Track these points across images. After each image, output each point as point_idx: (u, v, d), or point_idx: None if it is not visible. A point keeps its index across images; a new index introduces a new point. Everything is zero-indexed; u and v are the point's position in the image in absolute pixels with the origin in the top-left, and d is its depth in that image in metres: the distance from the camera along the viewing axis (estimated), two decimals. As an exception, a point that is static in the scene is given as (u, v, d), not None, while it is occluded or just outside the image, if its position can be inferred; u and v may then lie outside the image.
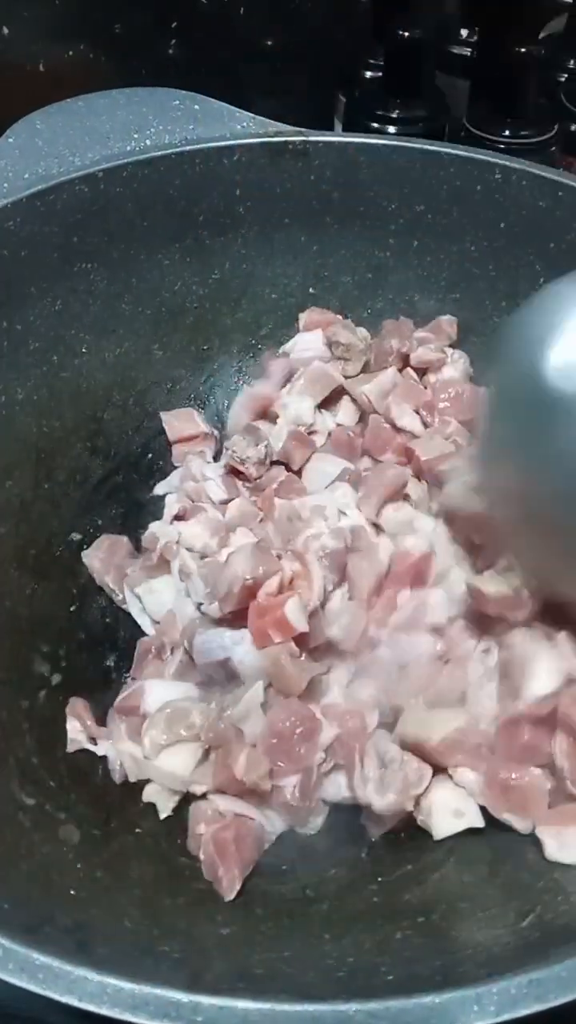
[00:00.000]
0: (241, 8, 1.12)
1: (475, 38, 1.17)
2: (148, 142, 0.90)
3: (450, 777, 0.62)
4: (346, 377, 0.91)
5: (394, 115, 1.04)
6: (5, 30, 1.01)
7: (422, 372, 0.90)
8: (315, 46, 1.22)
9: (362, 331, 0.94)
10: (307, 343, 0.92)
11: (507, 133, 1.01)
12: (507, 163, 0.85)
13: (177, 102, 0.91)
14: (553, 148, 1.03)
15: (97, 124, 0.90)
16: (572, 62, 1.12)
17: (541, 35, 1.09)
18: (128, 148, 0.89)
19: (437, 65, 1.09)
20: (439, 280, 0.93)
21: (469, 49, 1.17)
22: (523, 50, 0.97)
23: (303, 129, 0.90)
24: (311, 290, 0.97)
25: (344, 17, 1.22)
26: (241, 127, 0.91)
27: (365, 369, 0.93)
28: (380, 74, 1.08)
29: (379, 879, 0.63)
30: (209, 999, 0.38)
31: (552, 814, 0.61)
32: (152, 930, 0.56)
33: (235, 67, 1.18)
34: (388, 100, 1.05)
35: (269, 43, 1.18)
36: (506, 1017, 0.38)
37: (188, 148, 0.89)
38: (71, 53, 1.07)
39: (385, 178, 0.90)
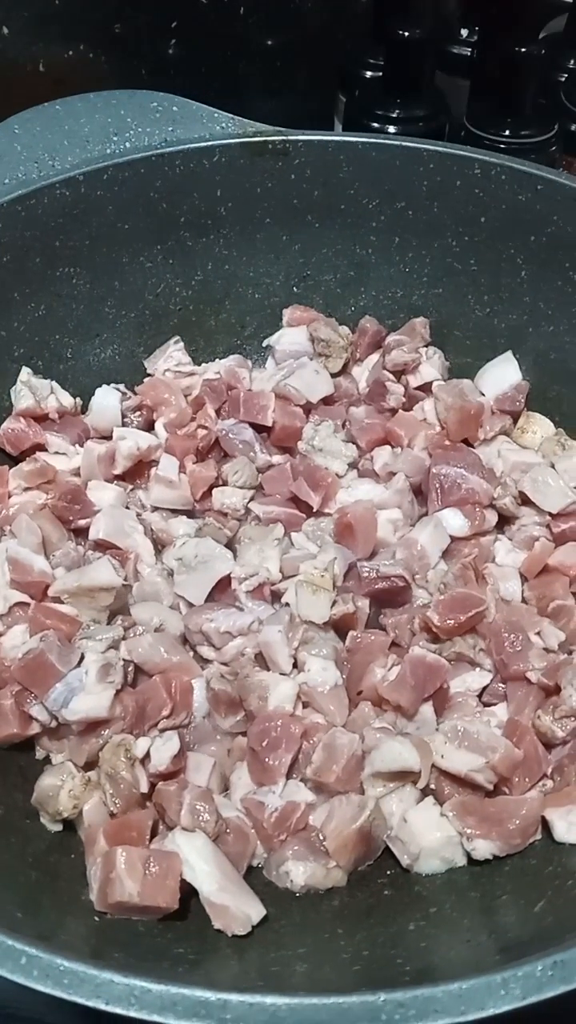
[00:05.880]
0: (241, 8, 1.12)
1: (475, 38, 1.17)
2: (128, 145, 0.90)
3: (443, 814, 0.62)
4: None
5: (394, 115, 1.04)
6: (5, 30, 1.00)
7: (398, 374, 0.91)
8: (315, 46, 1.22)
9: (344, 329, 0.95)
10: (292, 338, 0.93)
11: (507, 133, 1.01)
12: (486, 158, 0.86)
13: (155, 104, 0.90)
14: (553, 148, 1.03)
15: (76, 127, 0.89)
16: (572, 62, 1.12)
17: (541, 35, 1.09)
18: (108, 151, 0.89)
19: (437, 65, 1.09)
20: (421, 276, 0.94)
21: (469, 49, 1.17)
22: (523, 50, 0.97)
23: (283, 128, 0.90)
24: (294, 289, 0.97)
25: (344, 17, 1.22)
26: (220, 128, 0.91)
27: (346, 366, 0.94)
28: (380, 74, 1.07)
29: (388, 872, 0.63)
30: (238, 996, 0.38)
31: (560, 796, 0.62)
32: (166, 933, 0.56)
33: (235, 67, 1.18)
34: (388, 100, 1.05)
35: (269, 43, 1.18)
36: (532, 1000, 0.39)
37: (168, 150, 0.89)
38: (71, 53, 1.07)
39: (365, 176, 0.90)
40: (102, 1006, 0.38)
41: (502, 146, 0.99)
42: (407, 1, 1.04)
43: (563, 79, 1.09)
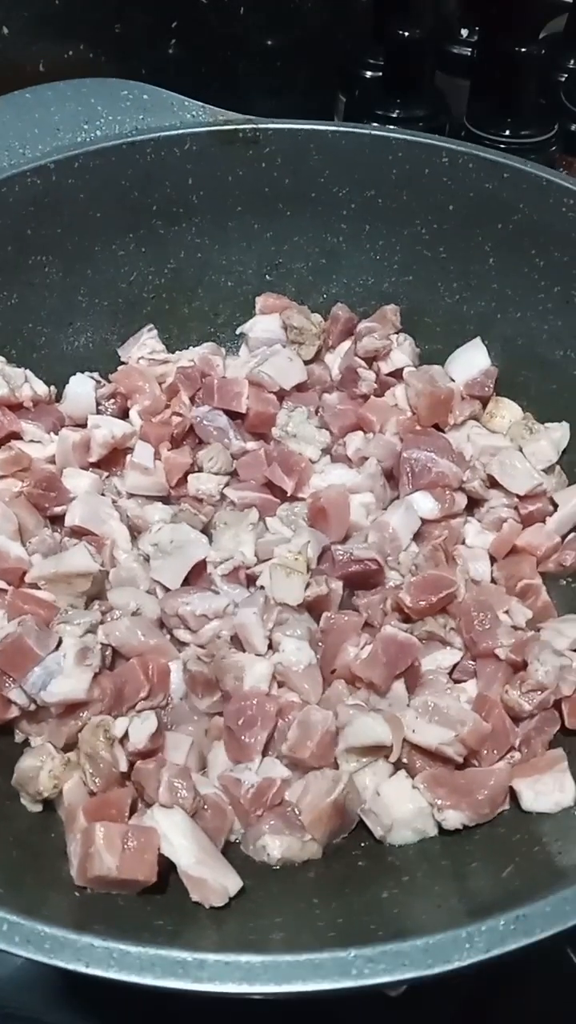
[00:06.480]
0: (241, 8, 1.13)
1: (475, 38, 1.17)
2: (98, 133, 0.90)
3: (414, 787, 0.64)
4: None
5: (394, 115, 1.04)
6: (5, 30, 1.00)
7: (370, 361, 0.92)
8: (315, 46, 1.22)
9: (316, 317, 0.96)
10: (265, 326, 0.94)
11: (507, 133, 1.02)
12: (453, 146, 0.87)
13: (126, 92, 0.91)
14: (553, 148, 1.04)
15: (46, 116, 0.89)
16: (572, 62, 1.13)
17: (541, 35, 1.09)
18: (78, 139, 0.89)
19: (437, 65, 1.10)
20: (392, 263, 0.95)
21: (469, 49, 1.17)
22: (523, 50, 0.98)
23: (252, 117, 0.91)
24: (267, 277, 0.98)
25: (344, 17, 1.22)
26: (191, 116, 0.91)
27: (319, 353, 0.95)
28: (380, 74, 1.08)
29: (362, 844, 0.65)
30: (214, 956, 0.39)
31: (527, 767, 0.64)
32: (145, 906, 0.57)
33: (235, 67, 1.18)
34: (388, 100, 1.05)
35: (269, 43, 1.19)
36: (496, 952, 0.41)
37: (139, 138, 0.89)
38: (71, 53, 1.07)
39: (335, 164, 0.91)
40: (83, 968, 0.39)
41: (502, 146, 0.99)
42: (407, 1, 1.04)
43: (563, 79, 1.09)
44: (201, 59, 1.15)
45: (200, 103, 0.92)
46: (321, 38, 1.22)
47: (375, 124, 1.03)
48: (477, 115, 1.05)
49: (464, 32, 1.18)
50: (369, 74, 1.14)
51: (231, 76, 1.18)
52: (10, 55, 1.04)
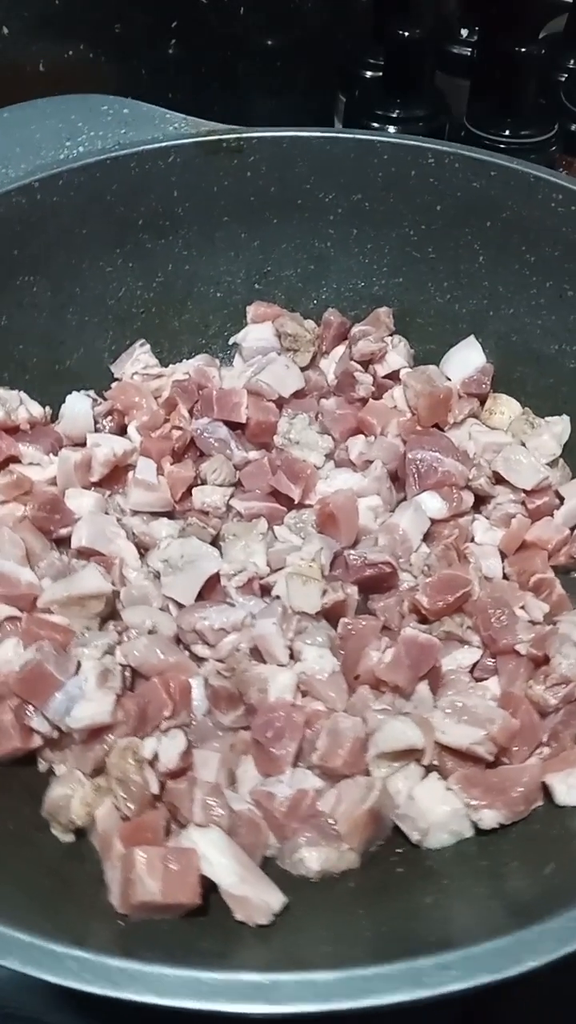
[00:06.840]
0: (241, 8, 1.13)
1: (475, 38, 1.17)
2: (81, 149, 0.90)
3: (448, 788, 0.64)
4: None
5: (394, 115, 1.04)
6: (5, 30, 0.99)
7: (366, 364, 0.92)
8: (315, 46, 1.23)
9: (309, 323, 0.96)
10: (258, 334, 0.93)
11: (507, 133, 1.02)
12: (439, 147, 0.87)
13: (106, 107, 0.90)
14: (553, 148, 1.04)
15: (27, 134, 0.88)
16: (572, 62, 1.13)
17: (541, 35, 1.10)
18: (61, 156, 0.89)
19: (437, 65, 1.10)
20: (381, 266, 0.96)
21: (469, 49, 1.17)
22: (523, 50, 0.98)
23: (236, 126, 0.91)
24: (256, 286, 0.98)
25: (344, 17, 1.23)
26: (173, 128, 0.91)
27: (314, 359, 0.95)
28: (380, 74, 1.08)
29: (398, 850, 0.64)
30: (287, 976, 0.39)
31: (558, 760, 0.64)
32: (189, 929, 0.56)
33: (235, 67, 1.18)
34: (388, 100, 1.05)
35: (269, 43, 1.19)
36: (566, 951, 0.40)
37: (122, 152, 0.88)
38: (71, 53, 1.06)
39: (320, 169, 0.91)
40: (155, 1000, 0.38)
41: (502, 146, 0.99)
42: (407, 1, 1.04)
43: (563, 79, 1.09)
44: (201, 59, 1.15)
45: (182, 115, 0.91)
46: (321, 38, 1.23)
47: (374, 125, 1.04)
48: (477, 115, 1.05)
49: (464, 32, 1.18)
50: (369, 74, 1.14)
51: (231, 76, 1.18)
52: (10, 55, 1.03)
